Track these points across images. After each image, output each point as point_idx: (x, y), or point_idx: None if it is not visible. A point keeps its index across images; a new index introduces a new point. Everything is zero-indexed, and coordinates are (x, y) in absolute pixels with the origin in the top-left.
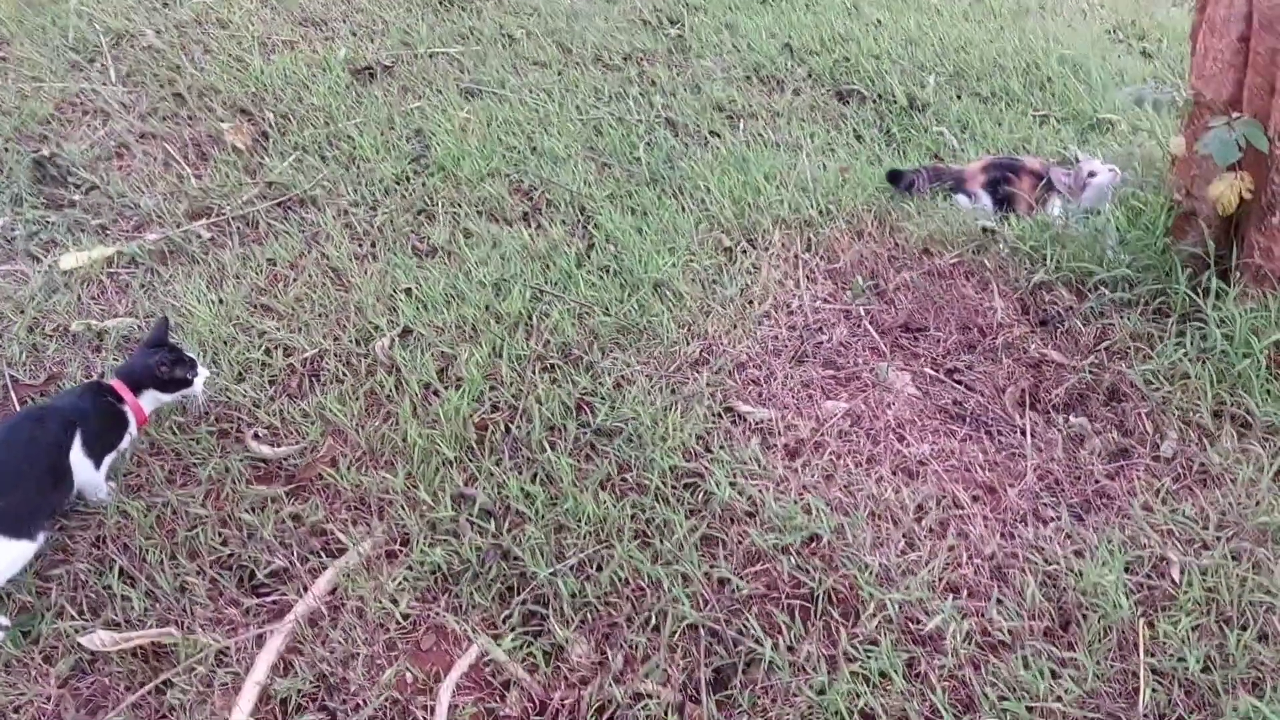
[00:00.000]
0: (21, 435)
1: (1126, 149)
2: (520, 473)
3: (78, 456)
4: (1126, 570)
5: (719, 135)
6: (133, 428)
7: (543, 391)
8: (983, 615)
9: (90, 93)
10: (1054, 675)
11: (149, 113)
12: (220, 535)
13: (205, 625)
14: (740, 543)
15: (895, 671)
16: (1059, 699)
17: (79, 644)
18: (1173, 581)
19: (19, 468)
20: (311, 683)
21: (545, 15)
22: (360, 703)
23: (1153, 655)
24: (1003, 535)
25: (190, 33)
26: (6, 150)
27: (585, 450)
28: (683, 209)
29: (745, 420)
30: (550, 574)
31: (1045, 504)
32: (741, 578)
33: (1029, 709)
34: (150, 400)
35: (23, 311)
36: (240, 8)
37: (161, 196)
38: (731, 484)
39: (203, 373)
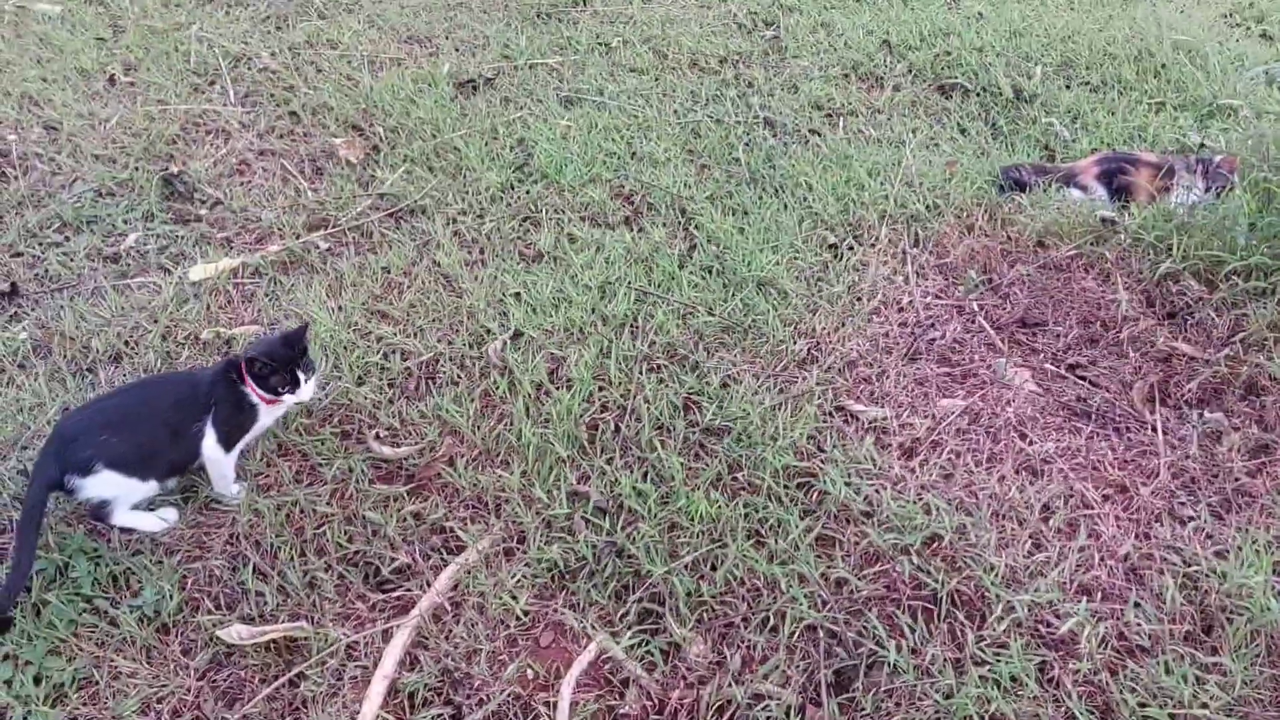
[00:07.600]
0: (150, 392)
1: (1255, 133)
2: (631, 471)
3: (210, 432)
4: (1275, 571)
5: (819, 134)
6: (263, 410)
7: (650, 391)
8: (1119, 618)
9: (212, 114)
10: (1198, 681)
11: (267, 131)
12: (346, 532)
13: (335, 620)
14: (857, 543)
15: (1027, 676)
16: (1204, 705)
17: (217, 637)
18: None
19: (140, 412)
20: (437, 677)
21: (640, 23)
22: (484, 698)
23: None
24: (1137, 536)
25: (303, 54)
26: (137, 170)
27: (695, 449)
28: (784, 207)
29: (858, 419)
30: (665, 572)
31: (1181, 503)
32: (860, 578)
33: (1171, 716)
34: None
35: (156, 320)
36: (349, 29)
37: (281, 210)
38: (846, 483)
39: (305, 391)
